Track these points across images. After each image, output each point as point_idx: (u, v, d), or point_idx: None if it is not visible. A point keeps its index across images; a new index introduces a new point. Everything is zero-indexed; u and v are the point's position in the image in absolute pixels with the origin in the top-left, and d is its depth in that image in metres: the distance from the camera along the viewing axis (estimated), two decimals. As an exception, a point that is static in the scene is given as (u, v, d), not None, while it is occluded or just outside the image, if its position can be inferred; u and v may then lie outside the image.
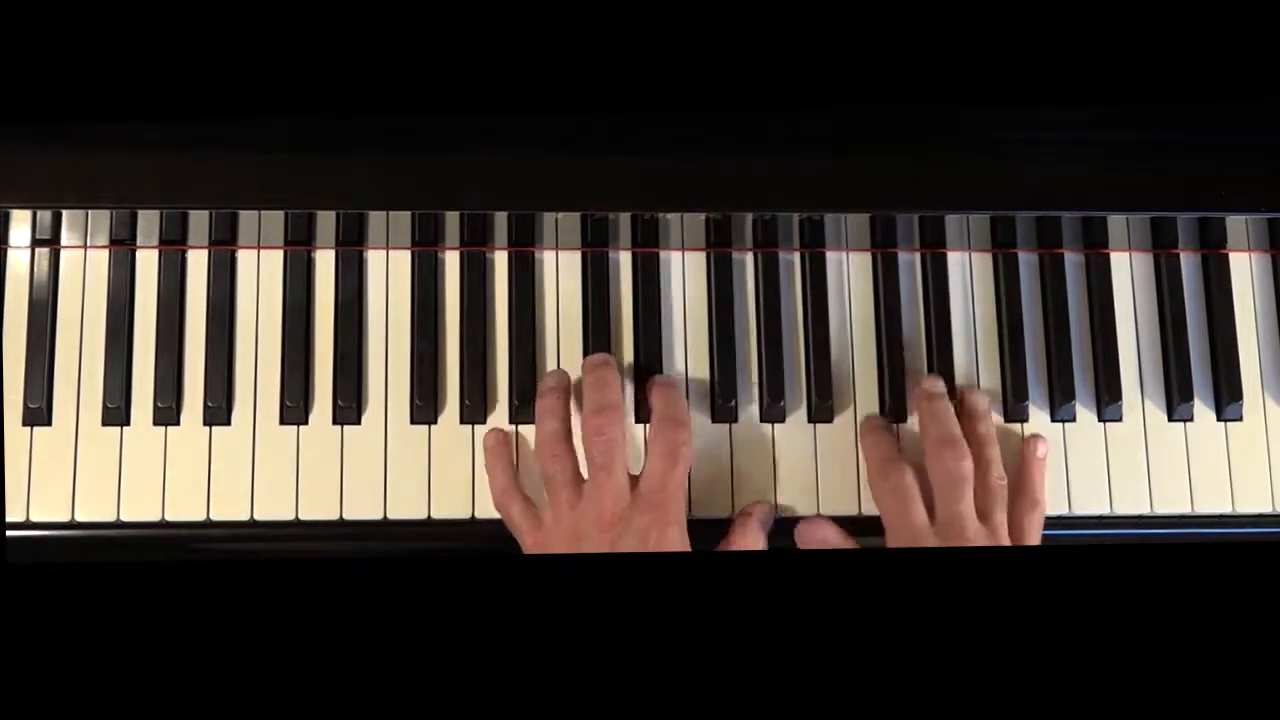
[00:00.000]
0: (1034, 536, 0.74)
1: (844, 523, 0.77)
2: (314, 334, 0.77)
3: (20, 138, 0.69)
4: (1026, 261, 0.81)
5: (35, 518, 0.74)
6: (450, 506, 0.75)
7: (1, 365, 0.74)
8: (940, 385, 0.77)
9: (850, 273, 0.80)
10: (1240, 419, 0.80)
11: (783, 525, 0.77)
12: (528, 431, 0.77)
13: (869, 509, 0.77)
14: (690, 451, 0.73)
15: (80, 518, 0.74)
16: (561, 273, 0.79)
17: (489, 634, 0.58)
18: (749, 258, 0.80)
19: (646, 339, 0.78)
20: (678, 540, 0.71)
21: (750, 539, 0.74)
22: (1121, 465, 0.79)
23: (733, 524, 0.75)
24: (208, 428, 0.76)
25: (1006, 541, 0.73)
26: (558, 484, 0.73)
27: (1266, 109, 0.72)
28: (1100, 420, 0.79)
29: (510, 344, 0.78)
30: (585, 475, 0.73)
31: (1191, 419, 0.79)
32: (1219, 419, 0.80)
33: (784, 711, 0.56)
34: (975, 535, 0.71)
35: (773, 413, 0.78)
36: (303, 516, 0.75)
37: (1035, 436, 0.77)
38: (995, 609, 0.59)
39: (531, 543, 0.73)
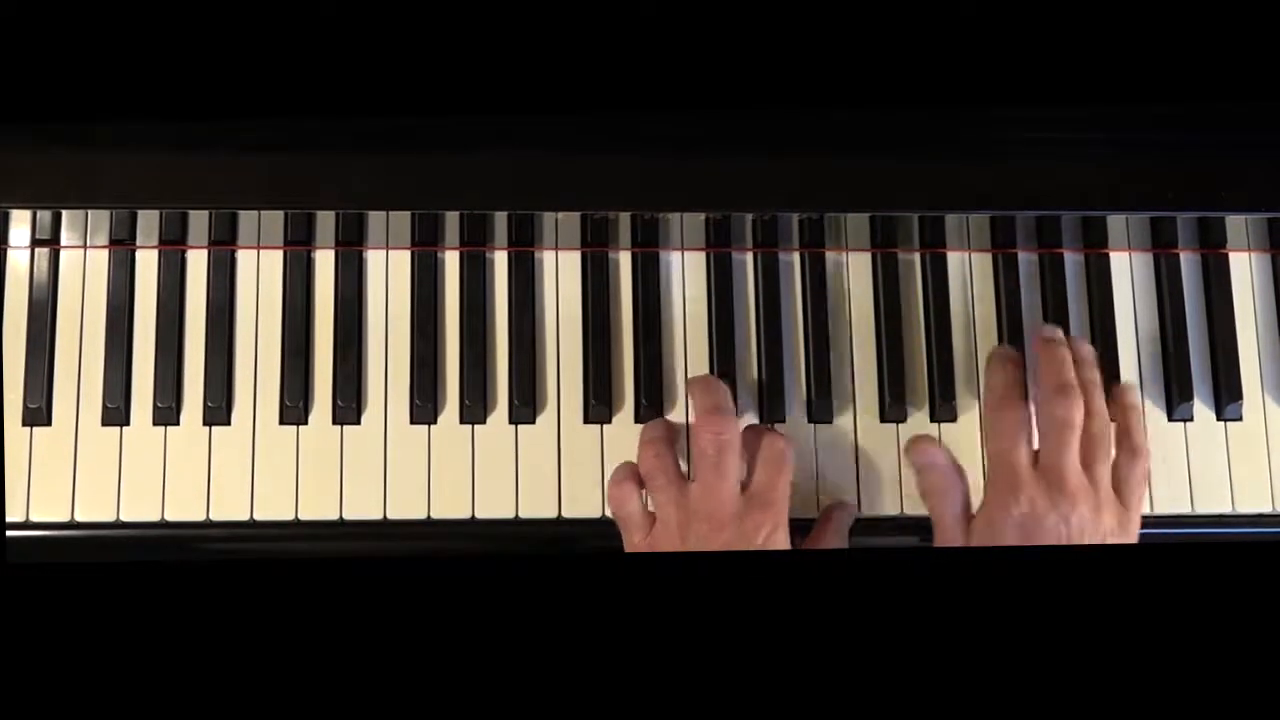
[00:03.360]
0: (1139, 487, 0.73)
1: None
2: (314, 334, 0.77)
3: (20, 138, 0.69)
4: (1026, 261, 0.81)
5: (35, 518, 0.74)
6: (450, 506, 0.75)
7: (1, 365, 0.74)
8: (1059, 333, 0.76)
9: (850, 273, 0.80)
10: (1240, 419, 0.80)
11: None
12: (527, 431, 0.77)
13: (869, 510, 0.77)
14: (792, 457, 0.73)
15: (80, 518, 0.74)
16: (561, 273, 0.79)
17: (489, 634, 0.58)
18: (749, 258, 0.80)
19: (646, 339, 0.78)
20: (783, 544, 0.71)
21: (831, 541, 0.75)
22: (1121, 465, 0.79)
23: (816, 525, 0.76)
24: (208, 428, 0.76)
25: (1108, 493, 0.72)
26: (662, 483, 0.73)
27: (1266, 109, 0.72)
28: (1100, 420, 0.79)
29: (510, 344, 0.78)
30: (689, 475, 0.73)
31: (1191, 419, 0.79)
32: (1219, 419, 0.80)
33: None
34: (1077, 486, 0.71)
35: (773, 413, 0.78)
36: (303, 516, 0.75)
37: (1125, 384, 0.77)
38: (996, 609, 0.59)
39: (640, 540, 0.73)
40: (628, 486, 0.74)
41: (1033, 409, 0.74)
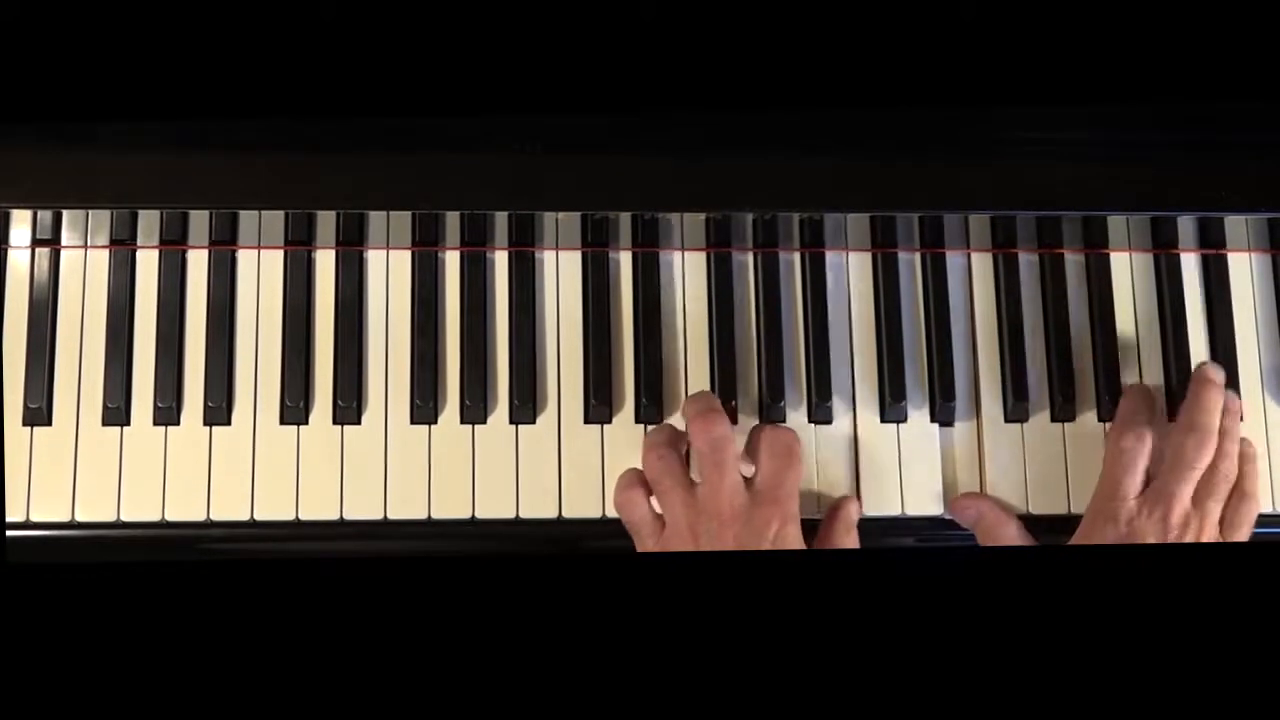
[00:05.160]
0: (1246, 530, 0.74)
1: (844, 523, 0.77)
2: (314, 334, 0.77)
3: (20, 138, 0.69)
4: (1026, 261, 0.81)
5: (35, 518, 0.74)
6: (450, 506, 0.75)
7: (1, 365, 0.74)
8: (1221, 375, 0.77)
9: (850, 273, 0.80)
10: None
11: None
12: (528, 431, 0.77)
13: (869, 510, 0.77)
14: (801, 451, 0.74)
15: (80, 518, 0.74)
16: (561, 273, 0.79)
17: (489, 635, 0.58)
18: (749, 258, 0.80)
19: (646, 339, 0.78)
20: (795, 539, 0.71)
21: (842, 538, 0.75)
22: (1121, 465, 0.79)
23: (823, 523, 0.76)
24: (208, 428, 0.76)
25: (1213, 530, 0.73)
26: (666, 485, 0.73)
27: (1266, 109, 0.72)
28: (1100, 420, 0.79)
29: (510, 344, 0.78)
30: (695, 479, 0.73)
31: (1191, 419, 0.79)
32: (1219, 419, 0.80)
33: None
34: (1180, 517, 0.72)
35: (773, 413, 0.78)
36: (303, 516, 0.75)
37: (1248, 440, 0.78)
38: (996, 609, 0.59)
39: (651, 545, 0.73)
40: (634, 492, 0.74)
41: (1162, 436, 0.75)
